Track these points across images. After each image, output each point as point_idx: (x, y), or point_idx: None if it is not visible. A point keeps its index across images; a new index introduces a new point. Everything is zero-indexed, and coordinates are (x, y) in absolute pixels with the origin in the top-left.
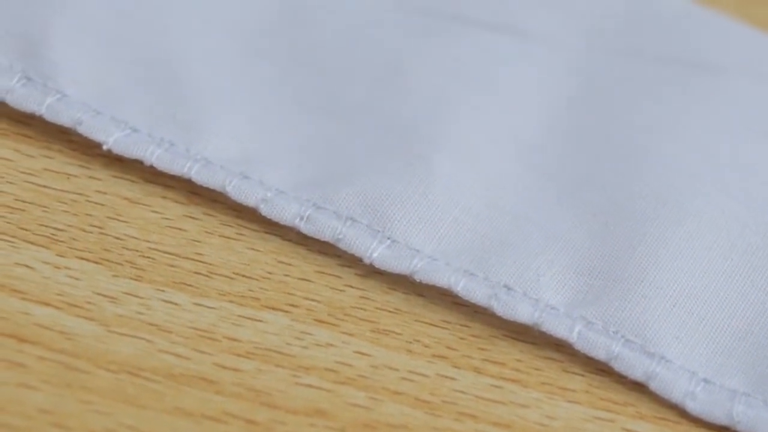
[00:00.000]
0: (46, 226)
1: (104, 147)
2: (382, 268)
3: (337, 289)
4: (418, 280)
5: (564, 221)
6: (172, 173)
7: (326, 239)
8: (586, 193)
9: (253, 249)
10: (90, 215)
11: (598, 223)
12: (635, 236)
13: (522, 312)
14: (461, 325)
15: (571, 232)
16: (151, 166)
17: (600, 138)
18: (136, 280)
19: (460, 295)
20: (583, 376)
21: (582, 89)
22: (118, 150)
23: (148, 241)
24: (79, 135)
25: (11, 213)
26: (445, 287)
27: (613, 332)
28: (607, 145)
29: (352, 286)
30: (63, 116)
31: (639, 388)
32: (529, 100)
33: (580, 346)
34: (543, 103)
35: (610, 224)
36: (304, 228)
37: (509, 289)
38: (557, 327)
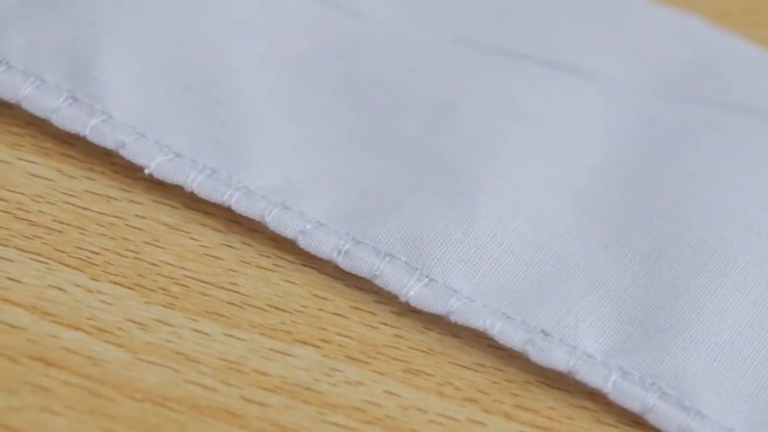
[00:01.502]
0: (82, 249)
1: (146, 171)
2: (418, 307)
3: (370, 326)
4: (453, 321)
5: (609, 267)
6: (212, 200)
7: (363, 275)
8: (634, 239)
9: (288, 281)
10: (127, 239)
11: (643, 270)
12: (680, 286)
13: (557, 359)
14: (495, 368)
15: (615, 278)
16: (192, 192)
17: (653, 183)
18: (168, 307)
19: (495, 338)
20: (616, 427)
21: (639, 133)
22: (159, 174)
23: (184, 269)
24: (123, 157)
25: (49, 234)
26: (481, 329)
27: (650, 384)
28: (659, 191)
29: (386, 324)
30: (107, 138)
31: None
32: (583, 141)
33: (614, 396)
34: (598, 146)
35: (656, 272)
36: (342, 262)
37: (546, 334)
38: (592, 376)
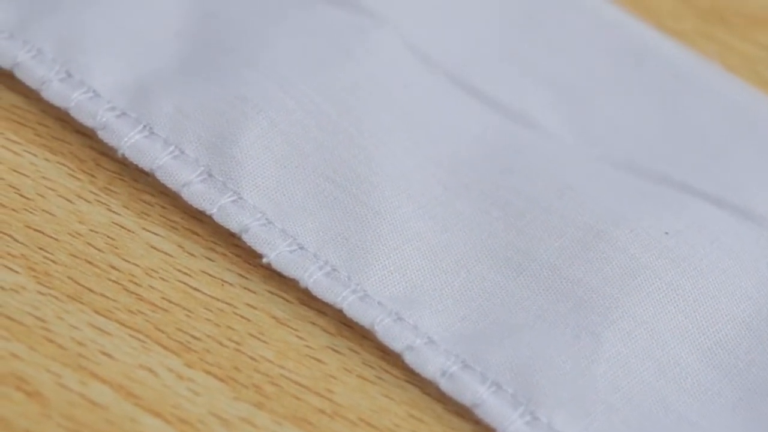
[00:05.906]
0: (183, 332)
1: (264, 260)
2: None
3: None
4: None
5: (731, 431)
6: (325, 301)
7: (464, 402)
8: (766, 404)
9: (387, 396)
10: (231, 329)
11: None
12: None
13: None
14: None
15: None
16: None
17: None
18: (256, 406)
19: None
20: None
21: None
22: (278, 266)
23: (282, 368)
24: None
25: (154, 312)
26: None
27: None
28: None
29: None
30: (232, 221)
31: None
32: (736, 290)
33: None
34: (750, 297)
35: None
36: (444, 385)
37: None
38: None
